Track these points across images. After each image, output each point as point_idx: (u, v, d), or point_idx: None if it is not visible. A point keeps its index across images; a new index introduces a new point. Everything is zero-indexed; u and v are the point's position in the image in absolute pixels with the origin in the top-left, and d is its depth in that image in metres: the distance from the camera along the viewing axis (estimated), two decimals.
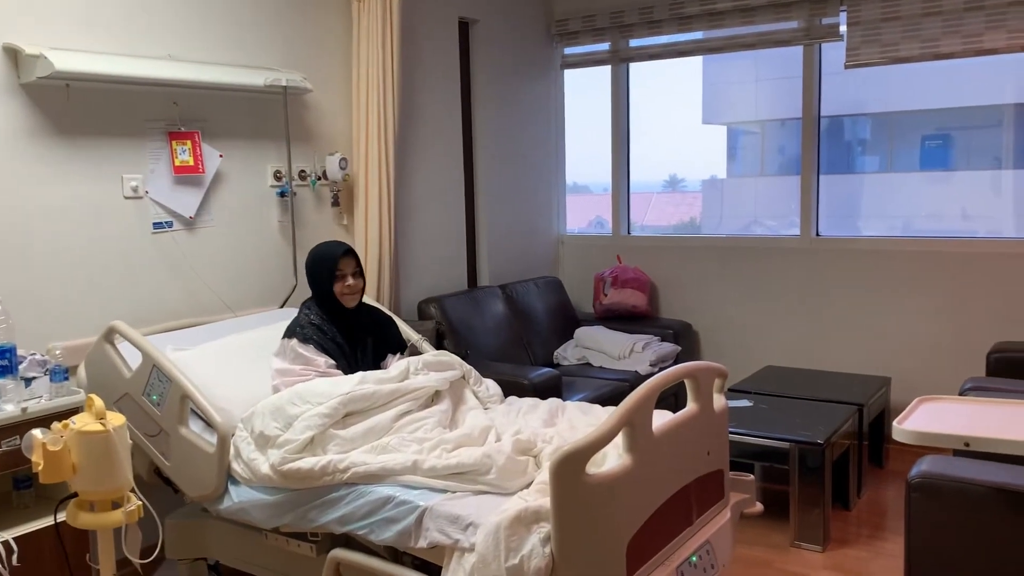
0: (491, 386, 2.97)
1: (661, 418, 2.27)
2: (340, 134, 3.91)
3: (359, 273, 2.92)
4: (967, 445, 1.87)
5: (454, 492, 2.20)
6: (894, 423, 2.01)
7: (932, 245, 4.26)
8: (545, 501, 1.99)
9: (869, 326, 4.45)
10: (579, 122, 5.43)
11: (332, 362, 2.76)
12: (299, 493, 2.40)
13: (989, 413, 2.07)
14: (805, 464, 3.23)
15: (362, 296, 2.96)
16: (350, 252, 2.91)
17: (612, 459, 2.15)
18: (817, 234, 4.64)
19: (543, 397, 3.33)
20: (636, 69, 5.17)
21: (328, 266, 2.85)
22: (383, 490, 2.27)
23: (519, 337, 4.54)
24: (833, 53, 4.51)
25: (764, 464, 3.42)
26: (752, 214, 5.97)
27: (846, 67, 4.33)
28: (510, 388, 3.39)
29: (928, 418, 2.07)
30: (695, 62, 6.20)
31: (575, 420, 2.70)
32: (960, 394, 3.44)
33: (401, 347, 3.06)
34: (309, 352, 2.74)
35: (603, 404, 3.97)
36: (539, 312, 4.78)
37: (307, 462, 2.36)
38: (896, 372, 4.39)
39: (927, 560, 2.35)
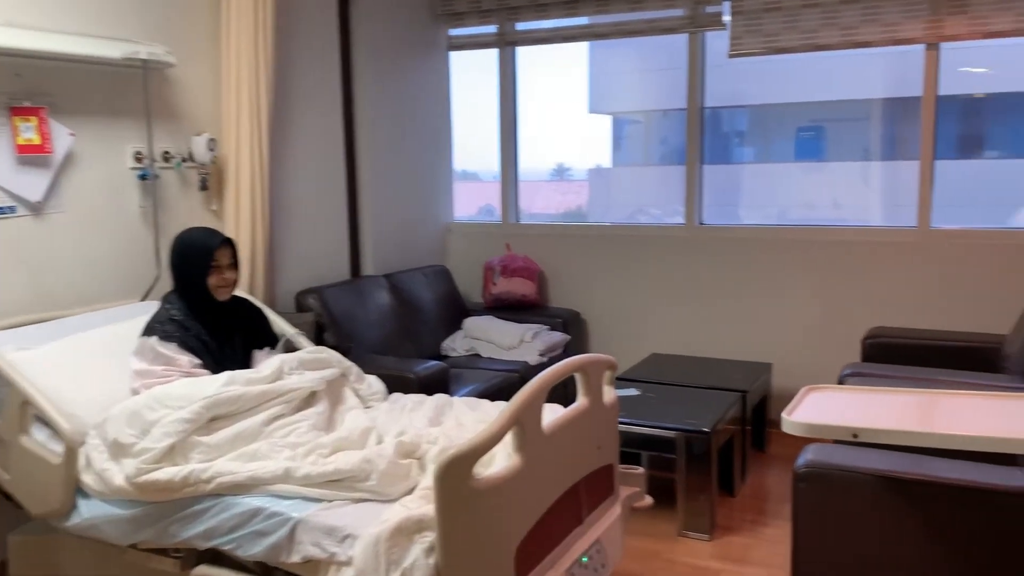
0: (373, 383, 2.81)
1: (551, 413, 2.18)
2: (208, 113, 3.63)
3: (235, 265, 2.71)
4: (856, 436, 1.86)
5: (331, 501, 2.05)
6: (783, 415, 1.99)
7: (807, 234, 4.36)
8: (429, 508, 1.87)
9: (751, 313, 4.52)
10: (468, 107, 5.30)
11: (197, 361, 2.53)
12: (158, 506, 2.18)
13: (875, 402, 2.07)
14: (692, 452, 3.23)
15: (234, 289, 2.74)
16: (228, 242, 2.68)
17: (501, 459, 2.04)
18: (701, 223, 4.68)
19: (430, 392, 3.20)
20: (524, 54, 5.07)
21: (202, 256, 2.61)
22: (252, 501, 2.08)
23: (406, 328, 4.38)
24: (714, 44, 4.54)
25: (651, 453, 3.40)
26: (637, 203, 6.01)
27: (730, 56, 4.36)
28: (395, 383, 3.24)
29: (816, 408, 2.05)
30: (582, 51, 6.16)
31: (463, 417, 2.58)
32: (840, 380, 3.52)
33: (272, 341, 2.86)
34: (171, 351, 2.51)
35: (493, 396, 3.89)
36: (426, 302, 4.64)
37: (166, 472, 2.15)
38: (777, 358, 4.48)
39: (814, 548, 2.36)
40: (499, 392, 3.94)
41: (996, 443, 1.75)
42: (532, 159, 5.31)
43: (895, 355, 3.85)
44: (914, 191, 4.17)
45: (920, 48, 4.04)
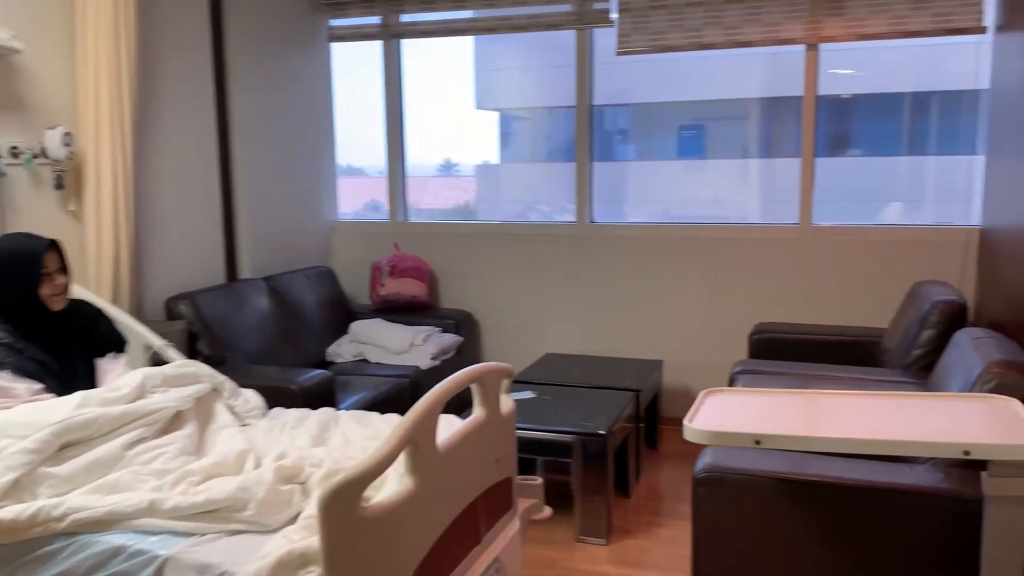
0: (251, 398, 2.60)
1: (446, 426, 2.05)
2: (63, 104, 3.30)
3: (65, 269, 2.44)
4: (758, 443, 1.82)
5: (203, 535, 1.85)
6: (684, 422, 1.93)
7: (695, 231, 4.40)
8: (314, 540, 1.71)
9: (642, 311, 4.53)
10: (352, 101, 5.09)
11: (39, 386, 2.26)
12: (3, 549, 1.93)
13: (772, 405, 2.04)
14: (588, 456, 3.17)
15: (67, 295, 2.47)
16: (55, 245, 2.42)
17: (393, 481, 1.90)
18: (592, 221, 4.65)
19: (314, 404, 3.01)
20: (410, 47, 4.91)
21: (30, 265, 2.34)
22: (113, 538, 1.86)
23: (288, 334, 4.15)
24: (601, 41, 4.51)
25: (547, 458, 3.32)
26: (527, 200, 5.96)
27: (618, 54, 4.33)
28: (276, 395, 3.03)
29: (716, 413, 2.01)
30: (468, 46, 6.05)
31: (350, 433, 2.41)
32: (730, 378, 3.54)
33: (117, 345, 2.59)
34: (4, 380, 2.22)
35: (383, 404, 3.72)
36: (310, 306, 4.41)
37: (10, 511, 1.90)
38: (668, 355, 4.50)
39: (714, 551, 2.33)
40: (389, 400, 3.78)
41: (894, 446, 1.75)
42: (419, 154, 5.16)
43: (781, 350, 3.92)
44: (791, 189, 4.26)
45: (797, 49, 4.13)
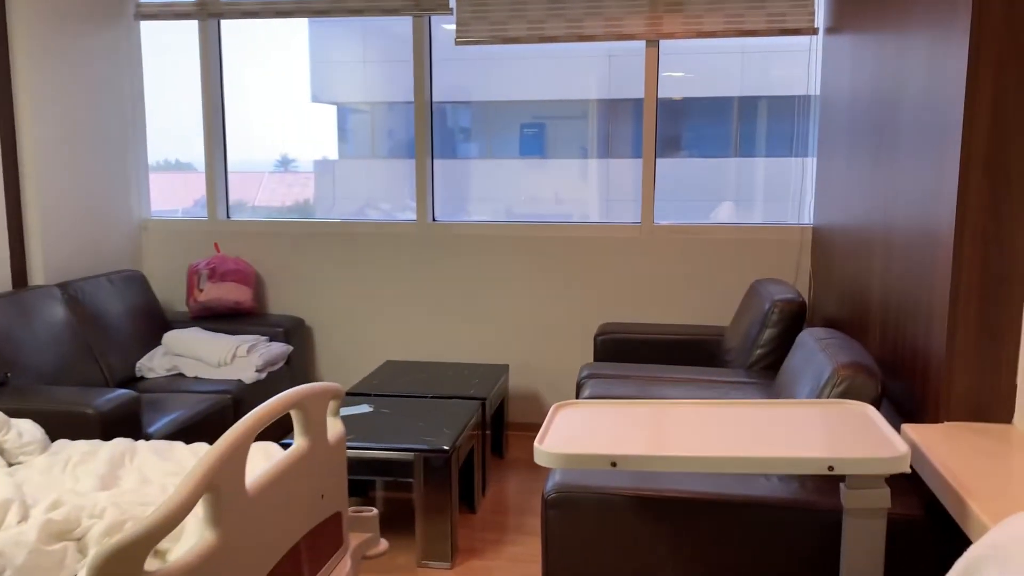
0: (26, 431, 2.18)
1: (263, 456, 1.75)
2: None
3: None
4: (614, 465, 1.65)
5: None
6: (535, 444, 1.74)
7: (538, 230, 4.26)
8: None
9: (485, 312, 4.34)
10: (172, 89, 4.59)
11: None
12: None
13: (628, 419, 1.89)
14: (431, 473, 2.93)
15: None
16: None
17: (193, 530, 1.58)
18: (434, 219, 4.41)
19: (117, 430, 2.61)
20: (235, 31, 4.48)
21: None
22: None
23: (89, 348, 3.65)
24: (439, 36, 4.28)
25: (385, 478, 3.06)
26: (366, 197, 5.66)
27: (457, 43, 4.12)
28: (68, 424, 2.60)
29: (569, 432, 1.83)
30: (303, 35, 5.70)
31: (149, 469, 2.06)
32: (578, 383, 3.41)
33: None
34: None
35: (201, 426, 3.32)
36: (116, 315, 3.91)
37: None
38: (513, 358, 4.34)
39: (566, 573, 2.15)
40: (208, 420, 3.39)
41: (757, 463, 1.62)
42: (255, 149, 4.74)
43: (627, 351, 3.84)
44: (631, 188, 4.21)
45: (635, 50, 4.07)
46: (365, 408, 3.32)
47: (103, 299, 3.89)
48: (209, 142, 4.49)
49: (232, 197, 4.72)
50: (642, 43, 4.08)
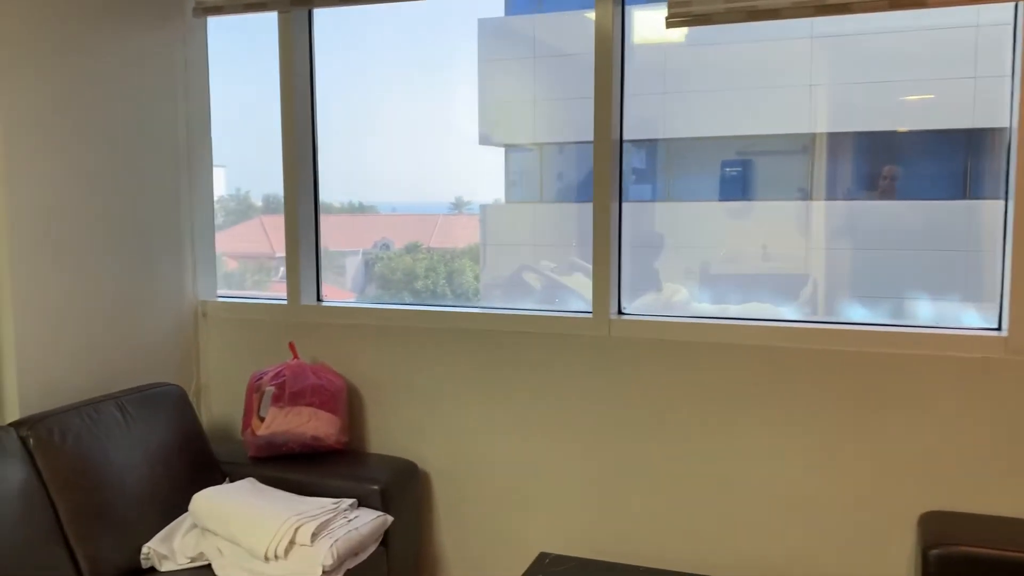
0: None
1: None
2: None
3: None
4: None
5: None
6: None
7: (812, 338, 2.48)
8: None
9: (722, 479, 2.57)
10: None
11: None
12: None
13: None
14: None
15: None
16: None
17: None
18: (620, 311, 2.73)
19: None
20: (333, 23, 3.07)
21: None
22: None
23: (57, 528, 2.22)
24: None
25: None
26: (530, 249, 4.21)
27: (668, 25, 2.46)
28: None
29: None
30: (471, 75, 4.35)
31: None
32: None
33: None
34: None
35: None
36: (120, 465, 2.46)
37: None
38: (765, 567, 2.54)
39: None
40: None
41: None
42: (432, 191, 3.39)
43: None
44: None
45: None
46: None
47: (101, 438, 2.46)
48: (291, 185, 3.03)
49: (405, 237, 3.43)
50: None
